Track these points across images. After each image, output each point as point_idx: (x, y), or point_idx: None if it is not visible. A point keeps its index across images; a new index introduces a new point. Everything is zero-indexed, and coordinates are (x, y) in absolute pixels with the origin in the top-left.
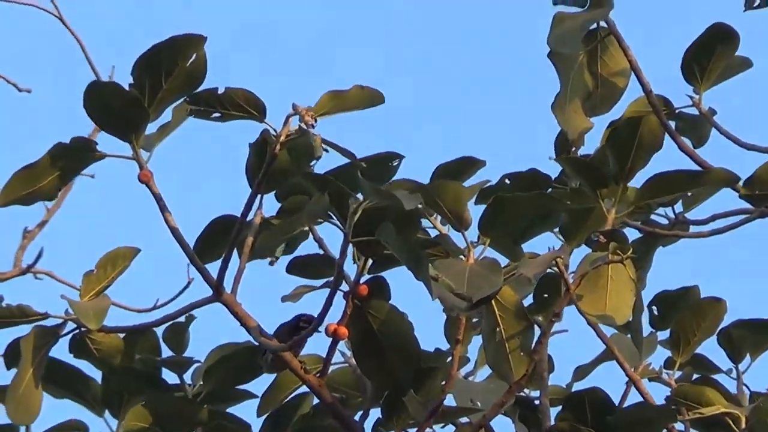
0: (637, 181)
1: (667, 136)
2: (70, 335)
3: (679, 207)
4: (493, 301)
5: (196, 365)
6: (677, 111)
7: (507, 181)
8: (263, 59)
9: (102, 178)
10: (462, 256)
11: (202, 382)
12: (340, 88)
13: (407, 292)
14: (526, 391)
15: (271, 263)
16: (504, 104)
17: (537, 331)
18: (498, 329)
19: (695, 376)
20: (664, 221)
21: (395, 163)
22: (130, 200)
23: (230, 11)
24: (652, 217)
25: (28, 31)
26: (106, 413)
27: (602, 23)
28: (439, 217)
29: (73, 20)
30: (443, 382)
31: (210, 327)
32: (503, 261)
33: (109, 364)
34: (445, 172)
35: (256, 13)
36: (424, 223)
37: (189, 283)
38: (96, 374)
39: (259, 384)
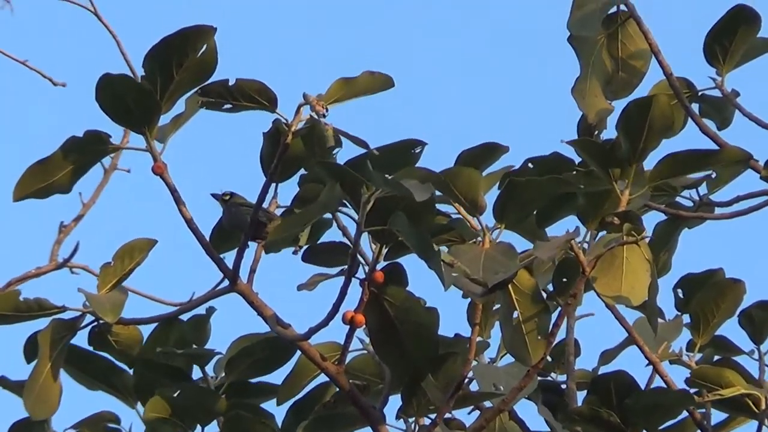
0: (652, 162)
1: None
2: (89, 328)
3: (703, 189)
4: (509, 286)
5: (218, 357)
6: (700, 93)
7: (530, 165)
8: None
9: (136, 172)
10: (477, 240)
11: (224, 374)
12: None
13: (428, 277)
14: (554, 375)
15: (295, 252)
16: (529, 88)
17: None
18: (515, 313)
19: (716, 357)
20: (689, 203)
21: (418, 150)
22: (152, 192)
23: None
24: (677, 199)
25: (63, 26)
26: (138, 405)
27: (622, 6)
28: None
29: (108, 15)
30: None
31: (229, 316)
32: (519, 245)
33: (129, 356)
34: (468, 159)
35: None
36: (447, 208)
37: (224, 278)
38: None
39: (281, 374)
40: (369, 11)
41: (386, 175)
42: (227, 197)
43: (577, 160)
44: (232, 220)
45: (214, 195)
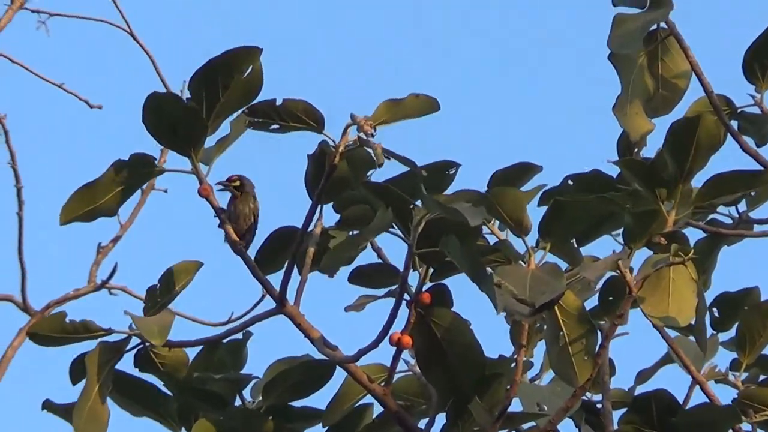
0: (697, 181)
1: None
2: (135, 350)
3: (743, 206)
4: (555, 306)
5: (254, 381)
6: (739, 110)
7: (570, 182)
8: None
9: (174, 192)
10: (523, 262)
11: (261, 398)
12: (395, 97)
13: (471, 298)
14: (589, 394)
15: (331, 275)
16: (568, 105)
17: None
18: (561, 334)
19: (762, 377)
20: (728, 221)
21: (452, 172)
22: (190, 212)
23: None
24: (716, 216)
25: (99, 48)
26: (183, 431)
27: (662, 24)
28: (497, 223)
29: (144, 36)
30: (508, 388)
31: (268, 338)
32: (563, 265)
33: (175, 378)
34: (502, 178)
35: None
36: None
37: (263, 297)
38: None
39: (321, 396)
40: (409, 34)
41: (437, 199)
42: (236, 183)
43: (616, 176)
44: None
45: (220, 183)
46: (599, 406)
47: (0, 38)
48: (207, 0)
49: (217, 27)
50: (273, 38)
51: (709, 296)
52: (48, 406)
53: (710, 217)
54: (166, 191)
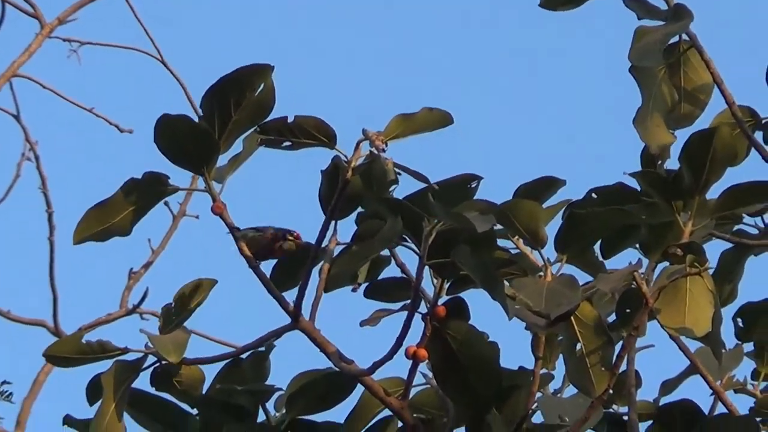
0: (715, 192)
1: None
2: (152, 369)
3: None
4: (572, 318)
5: (278, 394)
6: (764, 121)
7: (593, 195)
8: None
9: (205, 217)
10: (539, 274)
11: (285, 411)
12: (408, 112)
13: (491, 311)
14: (615, 406)
15: (354, 290)
16: (590, 119)
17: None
18: (578, 345)
19: None
20: (754, 230)
21: (473, 185)
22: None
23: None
24: (742, 227)
25: (130, 74)
26: None
27: (684, 36)
28: (521, 240)
29: (174, 62)
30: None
31: (288, 355)
32: (581, 278)
33: (192, 396)
34: (524, 192)
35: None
36: (506, 243)
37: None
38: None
39: (341, 411)
40: (421, 47)
41: (447, 207)
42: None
43: (641, 189)
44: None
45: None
46: (625, 418)
47: (30, 64)
48: (236, 25)
49: (246, 51)
50: (292, 54)
51: (734, 307)
52: (68, 421)
53: (736, 227)
54: (197, 217)
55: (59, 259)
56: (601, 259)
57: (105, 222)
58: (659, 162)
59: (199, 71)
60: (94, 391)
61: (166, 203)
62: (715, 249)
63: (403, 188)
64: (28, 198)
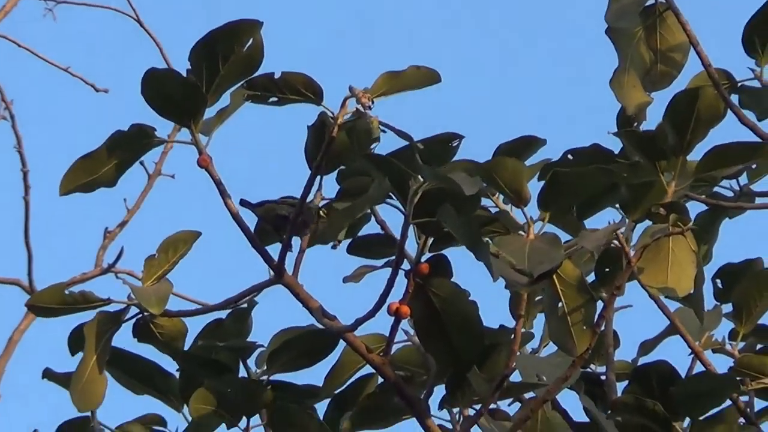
0: (697, 154)
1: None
2: (134, 320)
3: (743, 179)
4: (554, 276)
5: (259, 350)
6: (739, 84)
7: (569, 156)
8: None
9: (180, 178)
10: (522, 232)
11: (266, 367)
12: (395, 69)
13: (471, 269)
14: (593, 366)
15: (334, 246)
16: (567, 80)
17: (599, 305)
18: (560, 304)
19: (759, 346)
20: (730, 193)
21: (455, 144)
22: (197, 196)
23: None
24: (718, 189)
25: (106, 34)
26: (184, 408)
27: None
28: (501, 195)
29: (149, 21)
30: (507, 358)
31: (270, 311)
32: (563, 236)
33: (174, 349)
34: (505, 152)
35: None
36: (485, 201)
37: None
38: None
39: (322, 371)
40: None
41: (433, 169)
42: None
43: (617, 151)
44: (270, 220)
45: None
46: (603, 377)
47: (6, 23)
48: None
49: (224, 12)
50: (275, 12)
51: (711, 269)
52: (48, 374)
53: (712, 190)
54: (173, 176)
55: (34, 218)
56: (576, 217)
57: (91, 173)
58: (635, 123)
59: (176, 31)
60: (76, 341)
61: (141, 163)
62: (690, 211)
63: (387, 146)
64: (3, 157)
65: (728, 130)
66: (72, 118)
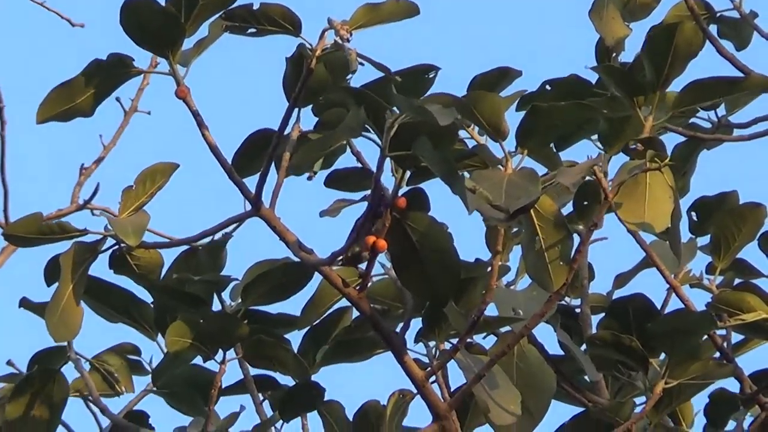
0: (675, 87)
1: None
2: (110, 252)
3: (722, 110)
4: (531, 211)
5: (234, 283)
6: (718, 14)
7: (547, 87)
8: None
9: (156, 114)
10: (500, 167)
11: (240, 300)
12: (374, 1)
13: (448, 203)
14: (567, 299)
15: (310, 178)
16: (545, 9)
17: (576, 239)
18: (537, 238)
19: (737, 281)
20: (707, 125)
21: (431, 75)
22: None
23: None
24: (695, 120)
25: None
26: (159, 337)
27: None
28: (476, 128)
29: None
30: (483, 293)
31: (247, 244)
32: (541, 170)
33: (150, 280)
34: (481, 84)
35: None
36: (462, 134)
37: None
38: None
39: (296, 302)
40: None
41: (410, 99)
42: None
43: (594, 81)
44: None
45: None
46: (578, 310)
47: None
48: None
49: None
50: None
51: (688, 200)
52: (25, 304)
53: (690, 121)
54: (149, 113)
55: (10, 155)
56: (555, 151)
57: (68, 102)
58: (614, 54)
59: None
60: (52, 271)
61: (117, 99)
62: (668, 142)
63: (365, 78)
64: None
65: (707, 60)
66: (47, 53)
